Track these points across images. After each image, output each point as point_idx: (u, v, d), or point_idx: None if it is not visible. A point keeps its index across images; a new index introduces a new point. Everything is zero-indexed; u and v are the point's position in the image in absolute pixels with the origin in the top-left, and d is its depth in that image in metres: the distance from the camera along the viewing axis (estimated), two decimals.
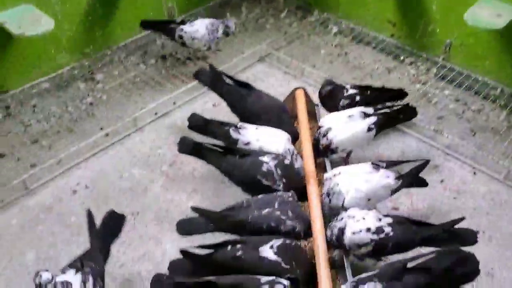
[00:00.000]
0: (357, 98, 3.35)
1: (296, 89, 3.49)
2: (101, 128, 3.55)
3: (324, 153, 3.14)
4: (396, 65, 4.19)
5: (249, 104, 3.31)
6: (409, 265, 2.34)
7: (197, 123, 3.23)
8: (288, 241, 2.48)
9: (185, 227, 2.71)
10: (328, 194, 2.77)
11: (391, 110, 3.18)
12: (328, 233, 2.58)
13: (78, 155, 3.38)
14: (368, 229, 2.48)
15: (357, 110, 3.18)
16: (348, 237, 2.49)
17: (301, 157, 3.05)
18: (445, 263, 2.31)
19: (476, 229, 2.94)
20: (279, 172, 2.83)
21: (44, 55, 3.79)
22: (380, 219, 2.53)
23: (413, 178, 2.84)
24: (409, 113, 3.27)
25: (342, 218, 2.56)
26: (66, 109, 3.69)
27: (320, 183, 2.99)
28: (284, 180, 2.83)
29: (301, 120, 3.27)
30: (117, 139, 3.54)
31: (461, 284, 2.48)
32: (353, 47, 4.43)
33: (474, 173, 3.35)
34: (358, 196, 2.70)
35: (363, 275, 2.35)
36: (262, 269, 2.37)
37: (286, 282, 2.31)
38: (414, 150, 3.51)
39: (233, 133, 3.08)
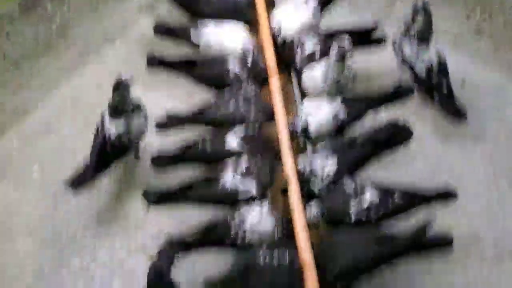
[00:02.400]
0: None
1: None
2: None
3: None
4: None
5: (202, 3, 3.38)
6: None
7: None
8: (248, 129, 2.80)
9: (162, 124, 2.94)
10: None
11: None
12: (290, 128, 2.85)
13: (58, 78, 3.57)
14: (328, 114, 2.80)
15: None
16: (313, 128, 2.80)
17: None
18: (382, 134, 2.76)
19: None
20: (244, 74, 3.05)
21: None
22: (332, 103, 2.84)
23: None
24: None
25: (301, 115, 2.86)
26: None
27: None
28: (251, 80, 3.05)
29: (259, 7, 3.30)
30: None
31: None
32: None
33: None
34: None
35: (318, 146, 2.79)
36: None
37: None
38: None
39: (193, 37, 3.25)
